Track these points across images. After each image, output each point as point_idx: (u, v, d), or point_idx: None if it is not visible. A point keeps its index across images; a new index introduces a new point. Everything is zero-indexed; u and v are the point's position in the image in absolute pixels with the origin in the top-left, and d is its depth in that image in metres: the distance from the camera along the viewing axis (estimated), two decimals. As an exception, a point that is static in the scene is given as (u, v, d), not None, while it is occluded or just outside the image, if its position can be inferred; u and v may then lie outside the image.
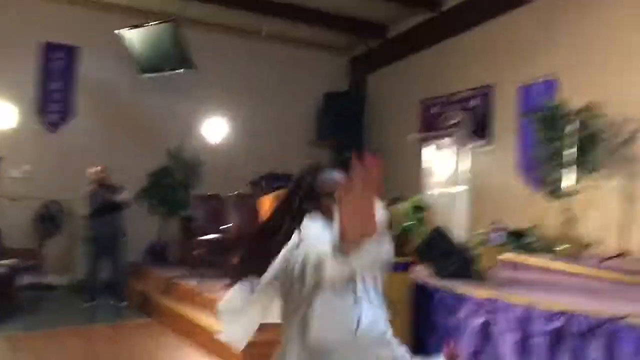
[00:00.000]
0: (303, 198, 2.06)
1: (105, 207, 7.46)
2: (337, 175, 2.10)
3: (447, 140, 7.14)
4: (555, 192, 6.69)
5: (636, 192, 6.55)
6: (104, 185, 7.60)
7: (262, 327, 2.06)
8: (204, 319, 5.98)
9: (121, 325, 6.65)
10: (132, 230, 8.11)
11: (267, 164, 10.07)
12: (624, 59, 6.80)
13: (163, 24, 8.39)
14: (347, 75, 11.68)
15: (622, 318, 3.46)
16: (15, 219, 8.82)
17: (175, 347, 5.64)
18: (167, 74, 8.82)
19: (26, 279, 8.26)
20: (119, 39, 8.81)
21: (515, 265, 5.68)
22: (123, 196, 7.66)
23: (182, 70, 8.68)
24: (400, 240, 4.79)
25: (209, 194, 9.02)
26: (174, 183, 9.77)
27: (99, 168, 7.63)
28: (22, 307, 7.34)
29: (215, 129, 10.11)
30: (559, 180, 6.61)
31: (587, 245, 6.58)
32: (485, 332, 4.26)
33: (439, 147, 7.00)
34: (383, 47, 10.84)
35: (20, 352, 5.26)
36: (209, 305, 6.37)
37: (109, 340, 5.96)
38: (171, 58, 8.56)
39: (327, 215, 1.99)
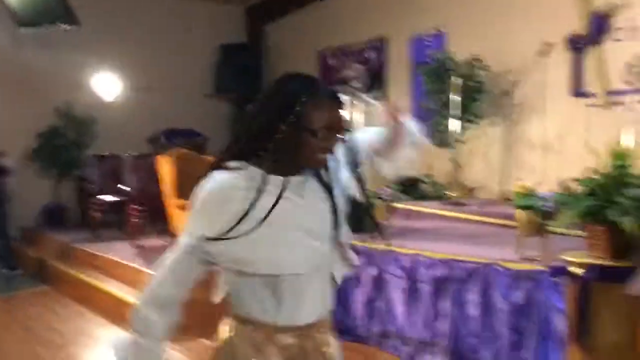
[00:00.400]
0: (282, 133, 1.46)
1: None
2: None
3: (345, 94, 7.26)
4: (443, 141, 7.05)
5: (514, 139, 7.06)
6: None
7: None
8: (105, 284, 5.92)
9: (16, 296, 6.43)
10: (22, 194, 7.78)
11: (165, 120, 9.86)
12: (505, 12, 7.15)
13: (40, -26, 7.79)
14: (244, 26, 11.47)
15: (495, 262, 3.81)
16: None
17: (76, 314, 5.56)
18: (47, 29, 8.25)
19: None
20: (-9, -10, 8.11)
21: (408, 214, 6.02)
22: (6, 163, 7.25)
23: (64, 25, 8.15)
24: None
25: (105, 153, 8.74)
26: (66, 143, 9.34)
27: None
28: None
29: (107, 84, 9.69)
30: (447, 130, 6.97)
31: (471, 191, 7.08)
32: (378, 283, 4.54)
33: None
34: (279, -4, 10.71)
35: None
36: (110, 270, 6.30)
37: (3, 312, 5.76)
38: (52, 11, 7.98)
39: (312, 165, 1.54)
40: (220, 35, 10.92)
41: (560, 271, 3.46)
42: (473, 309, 3.86)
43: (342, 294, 4.87)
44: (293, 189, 1.50)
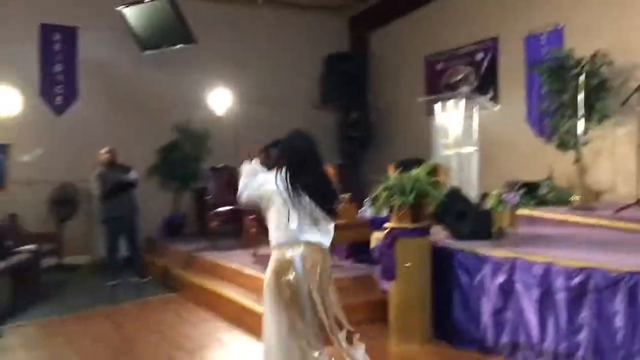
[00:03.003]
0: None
1: (116, 187, 7.52)
2: None
3: (455, 98, 7.10)
4: (565, 142, 6.70)
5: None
6: (112, 166, 7.65)
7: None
8: (226, 290, 6.11)
9: (146, 302, 6.79)
10: (145, 206, 8.20)
11: (274, 131, 10.08)
12: (629, 4, 6.70)
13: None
14: (348, 36, 11.56)
15: (641, 271, 3.54)
16: (31, 204, 8.94)
17: (202, 320, 5.78)
18: (167, 49, 8.75)
19: (48, 262, 8.45)
20: (115, 17, 8.71)
21: (532, 220, 5.75)
22: (132, 176, 7.72)
23: (182, 45, 8.61)
24: (416, 205, 4.83)
25: (220, 165, 9.08)
26: (183, 157, 9.82)
27: (105, 149, 7.67)
28: (47, 291, 7.51)
29: (219, 100, 10.09)
30: (569, 130, 6.61)
31: (598, 194, 6.64)
32: (506, 291, 4.36)
33: (447, 106, 6.96)
34: (383, 5, 10.68)
35: (52, 338, 5.41)
36: (230, 277, 6.51)
37: (135, 318, 6.10)
38: (171, 33, 8.47)
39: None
40: (325, 46, 11.08)
41: None
42: (618, 320, 3.60)
43: (467, 303, 4.74)
44: None
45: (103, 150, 7.66)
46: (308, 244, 3.05)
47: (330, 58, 11.08)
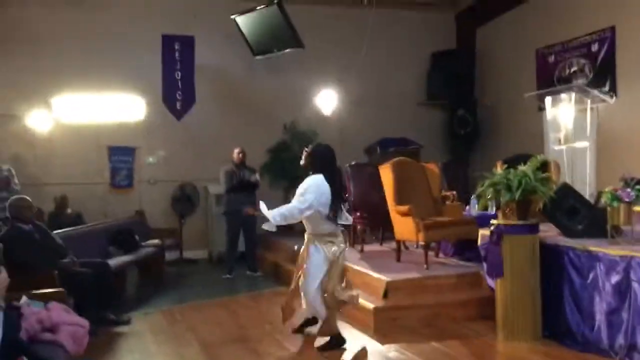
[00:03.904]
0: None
1: (242, 184, 8.05)
2: None
3: (568, 91, 6.82)
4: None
5: None
6: (241, 165, 8.19)
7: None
8: (335, 286, 6.29)
9: (259, 295, 7.15)
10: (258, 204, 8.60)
11: (379, 130, 10.22)
12: None
13: (270, 6, 8.66)
14: (454, 32, 11.40)
15: None
16: (156, 202, 9.71)
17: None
18: (277, 54, 9.14)
19: (170, 256, 9.12)
20: (228, 25, 9.22)
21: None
22: (256, 177, 8.24)
23: (291, 49, 8.96)
24: (523, 202, 4.75)
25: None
26: (292, 157, 10.17)
27: (237, 149, 8.21)
28: (170, 282, 8.12)
29: (326, 100, 10.33)
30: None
31: None
32: (622, 291, 4.18)
33: (559, 100, 6.72)
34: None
35: (175, 324, 5.87)
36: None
37: (249, 309, 6.45)
38: (280, 38, 8.84)
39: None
40: (431, 42, 11.02)
41: None
42: None
43: (579, 302, 4.59)
44: None
45: (236, 150, 8.22)
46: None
47: (436, 55, 11.00)
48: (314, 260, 4.72)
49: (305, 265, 4.81)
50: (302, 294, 4.88)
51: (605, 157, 6.92)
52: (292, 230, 9.79)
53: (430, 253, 6.45)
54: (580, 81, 7.27)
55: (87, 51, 9.21)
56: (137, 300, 6.98)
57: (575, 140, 6.59)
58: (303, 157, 4.95)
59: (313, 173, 4.80)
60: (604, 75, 8.10)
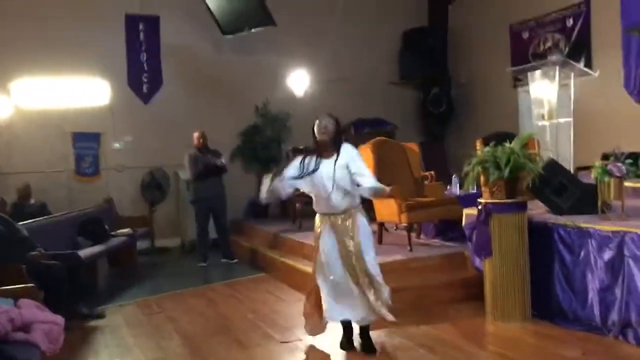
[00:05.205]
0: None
1: (208, 170, 7.75)
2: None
3: (543, 68, 6.73)
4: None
5: None
6: (204, 149, 7.87)
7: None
8: (316, 270, 6.12)
9: (237, 282, 6.93)
10: (229, 189, 8.38)
11: (353, 110, 10.03)
12: None
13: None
14: (426, 8, 11.23)
15: None
16: (124, 189, 9.36)
17: (294, 299, 5.83)
18: (248, 32, 8.84)
19: (141, 245, 8.81)
20: (195, 4, 8.87)
21: (638, 193, 5.41)
22: (222, 160, 7.94)
23: (262, 27, 8.67)
24: (511, 180, 4.64)
25: (301, 146, 9.08)
26: (265, 139, 9.94)
27: (197, 133, 7.88)
28: (143, 272, 7.84)
29: (298, 81, 10.09)
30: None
31: None
32: (615, 268, 4.11)
33: (536, 77, 6.63)
34: (461, -26, 10.32)
35: (153, 316, 5.63)
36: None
37: (229, 297, 6.24)
38: (251, 16, 8.55)
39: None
40: (402, 21, 10.84)
41: None
42: None
43: (570, 280, 4.52)
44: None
45: (195, 135, 7.89)
46: None
47: (408, 33, 10.83)
48: (367, 232, 4.16)
49: (360, 241, 4.06)
50: (361, 276, 4.07)
51: (582, 132, 6.87)
52: (266, 216, 9.73)
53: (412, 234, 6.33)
54: (557, 57, 7.18)
55: (46, 32, 8.73)
56: (110, 292, 6.71)
57: (554, 116, 6.52)
58: (324, 130, 4.05)
59: (337, 144, 4.10)
60: (579, 50, 8.07)
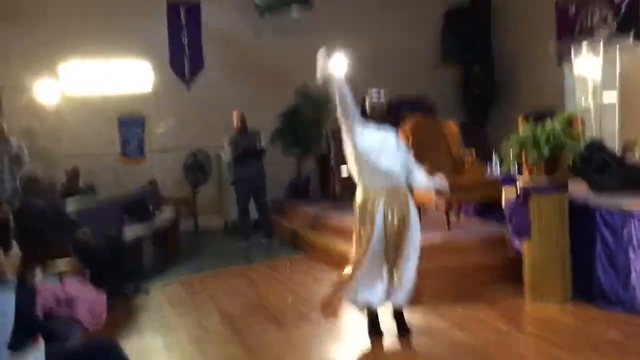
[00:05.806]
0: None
1: (247, 153, 7.86)
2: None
3: (591, 43, 6.51)
4: None
5: None
6: (243, 131, 7.98)
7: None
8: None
9: (277, 262, 7.04)
10: (270, 170, 8.47)
11: (394, 91, 9.89)
12: None
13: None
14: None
15: None
16: (168, 171, 9.57)
17: (331, 279, 5.87)
18: (285, 12, 8.86)
19: (184, 225, 9.01)
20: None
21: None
22: (261, 144, 8.03)
23: (298, 5, 8.67)
24: (551, 159, 4.53)
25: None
26: (304, 121, 9.94)
27: (236, 113, 7.99)
28: (186, 251, 8.03)
29: (337, 63, 10.01)
30: None
31: None
32: (659, 248, 4.00)
33: (583, 53, 6.42)
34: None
35: (195, 295, 5.78)
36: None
37: (269, 277, 6.35)
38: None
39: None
40: (444, 1, 10.63)
41: None
42: None
43: (612, 261, 4.42)
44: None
45: (234, 114, 8.02)
46: None
47: (450, 13, 10.61)
48: (417, 221, 4.22)
49: (411, 228, 4.11)
50: (399, 266, 4.08)
51: (632, 111, 6.63)
52: (307, 197, 9.79)
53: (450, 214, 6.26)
54: (604, 32, 6.92)
55: (91, 18, 8.99)
56: (154, 271, 6.89)
57: (600, 94, 6.31)
58: (379, 95, 4.47)
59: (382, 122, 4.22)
60: (627, 25, 7.74)
